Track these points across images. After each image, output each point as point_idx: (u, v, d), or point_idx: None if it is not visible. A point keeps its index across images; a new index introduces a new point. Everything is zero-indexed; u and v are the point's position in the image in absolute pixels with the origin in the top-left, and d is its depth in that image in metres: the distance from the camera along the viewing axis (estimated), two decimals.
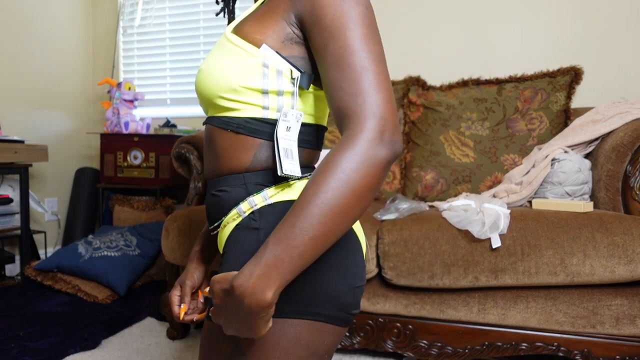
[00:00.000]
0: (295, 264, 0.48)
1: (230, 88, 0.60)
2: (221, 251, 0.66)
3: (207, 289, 0.54)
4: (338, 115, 0.53)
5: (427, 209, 1.48)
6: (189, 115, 2.76)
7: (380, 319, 1.37)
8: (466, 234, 1.25)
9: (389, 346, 1.36)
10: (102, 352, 1.52)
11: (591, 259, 1.17)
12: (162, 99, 2.84)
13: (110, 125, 2.54)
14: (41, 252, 2.55)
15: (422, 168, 1.86)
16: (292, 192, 0.61)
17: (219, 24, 2.67)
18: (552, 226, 1.21)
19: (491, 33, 2.12)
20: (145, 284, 2.13)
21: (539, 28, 2.05)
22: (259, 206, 0.60)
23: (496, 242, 1.20)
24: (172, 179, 2.44)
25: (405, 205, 1.44)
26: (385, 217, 1.41)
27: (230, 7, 0.90)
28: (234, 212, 0.62)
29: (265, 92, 0.60)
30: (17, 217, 2.26)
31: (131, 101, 2.58)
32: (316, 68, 0.61)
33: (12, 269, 2.38)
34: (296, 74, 0.60)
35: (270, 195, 0.61)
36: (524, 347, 1.27)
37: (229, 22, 0.89)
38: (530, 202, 1.48)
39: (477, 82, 1.94)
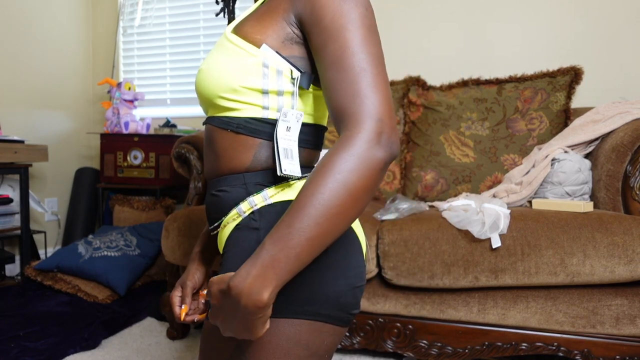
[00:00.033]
0: (292, 265, 0.48)
1: (230, 88, 0.60)
2: (221, 251, 0.66)
3: (205, 291, 0.54)
4: (336, 116, 0.54)
5: (427, 209, 1.48)
6: (189, 115, 2.76)
7: (380, 319, 1.37)
8: (466, 234, 1.25)
9: (389, 346, 1.36)
10: (102, 352, 1.52)
11: (591, 259, 1.17)
12: (162, 99, 2.84)
13: (110, 125, 2.54)
14: (41, 252, 2.55)
15: (422, 168, 1.86)
16: (292, 192, 0.61)
17: (219, 24, 2.67)
18: (552, 226, 1.21)
19: (491, 33, 2.12)
20: (145, 284, 2.13)
21: (539, 28, 2.05)
22: (259, 206, 0.61)
23: (496, 242, 1.20)
24: (172, 179, 2.44)
25: (405, 205, 1.44)
26: (385, 217, 1.41)
27: (230, 7, 0.90)
28: (234, 212, 0.62)
29: (265, 92, 0.60)
30: (17, 217, 2.26)
31: (131, 101, 2.58)
32: (316, 68, 0.61)
33: (12, 269, 2.38)
34: (296, 74, 0.60)
35: (270, 195, 0.61)
36: (524, 347, 1.27)
37: (229, 22, 0.89)
38: (530, 202, 1.48)
39: (477, 82, 1.94)
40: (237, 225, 0.62)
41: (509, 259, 1.21)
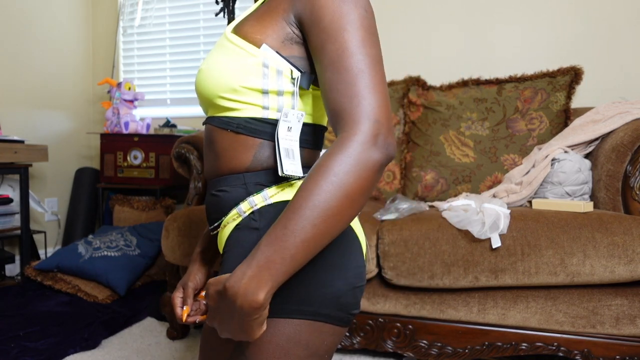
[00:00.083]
0: (287, 266, 0.48)
1: (230, 88, 0.60)
2: (221, 251, 0.66)
3: (204, 293, 0.54)
4: (333, 117, 0.54)
5: (427, 209, 1.48)
6: (189, 115, 2.76)
7: (380, 319, 1.37)
8: (466, 234, 1.25)
9: (389, 346, 1.36)
10: (102, 352, 1.52)
11: (591, 259, 1.17)
12: (162, 99, 2.84)
13: (110, 125, 2.54)
14: (41, 252, 2.55)
15: (422, 168, 1.86)
16: (292, 192, 0.61)
17: (219, 24, 2.67)
18: (552, 226, 1.21)
19: (491, 33, 2.12)
20: (145, 284, 2.13)
21: (539, 28, 2.05)
22: (259, 206, 0.61)
23: (496, 242, 1.20)
24: (172, 179, 2.44)
25: (405, 205, 1.44)
26: (385, 217, 1.41)
27: (230, 7, 0.90)
28: (234, 212, 0.62)
29: (265, 92, 0.60)
30: (17, 217, 2.26)
31: (131, 101, 2.58)
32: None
33: (12, 269, 2.38)
34: (296, 74, 0.60)
35: (270, 195, 0.61)
36: (524, 347, 1.27)
37: (229, 22, 0.89)
38: (530, 202, 1.48)
39: (477, 82, 1.94)
40: (237, 225, 0.62)
41: (509, 259, 1.21)
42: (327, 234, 0.49)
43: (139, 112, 2.83)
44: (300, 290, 0.56)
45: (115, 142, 2.48)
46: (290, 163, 0.58)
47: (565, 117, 1.76)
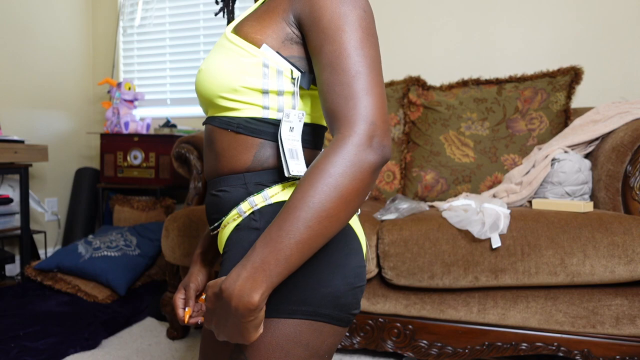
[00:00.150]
0: (282, 267, 0.48)
1: (231, 88, 0.60)
2: (221, 251, 0.66)
3: (203, 296, 0.54)
4: (330, 118, 0.54)
5: (427, 209, 1.48)
6: (189, 115, 2.76)
7: (380, 319, 1.37)
8: (466, 234, 1.25)
9: (389, 346, 1.36)
10: (102, 352, 1.52)
11: (591, 259, 1.17)
12: (162, 99, 2.84)
13: (110, 125, 2.54)
14: (41, 252, 2.55)
15: (422, 168, 1.86)
16: None
17: (219, 24, 2.67)
18: (552, 226, 1.21)
19: (491, 33, 2.12)
20: (145, 284, 2.13)
21: (539, 28, 2.05)
22: (259, 206, 0.61)
23: (496, 242, 1.20)
24: (172, 179, 2.44)
25: (405, 205, 1.44)
26: (385, 217, 1.41)
27: (230, 7, 0.90)
28: (234, 212, 0.62)
29: (265, 92, 0.60)
30: (17, 217, 2.26)
31: (131, 101, 2.58)
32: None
33: (12, 269, 2.38)
34: (296, 74, 0.60)
35: (270, 195, 0.61)
36: (524, 347, 1.27)
37: (229, 22, 0.89)
38: (530, 202, 1.48)
39: (477, 82, 1.94)
40: (237, 225, 0.62)
41: (509, 259, 1.21)
42: (322, 236, 0.49)
43: (139, 112, 2.83)
44: (300, 290, 0.56)
45: (115, 142, 2.48)
46: (296, 163, 0.58)
47: (565, 117, 1.76)
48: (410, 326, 1.35)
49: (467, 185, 1.78)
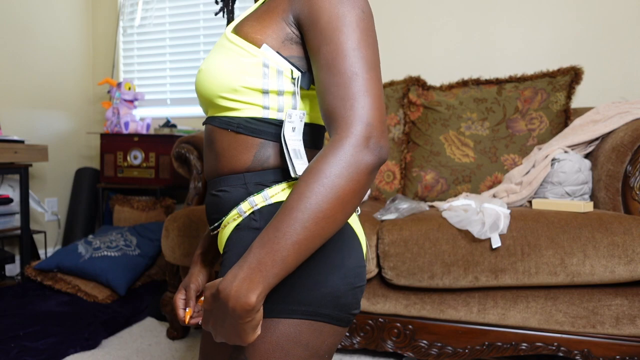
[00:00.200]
0: (278, 268, 0.48)
1: (231, 88, 0.60)
2: (221, 251, 0.66)
3: (202, 298, 0.54)
4: (327, 118, 0.54)
5: (427, 209, 1.48)
6: (189, 115, 2.76)
7: (380, 319, 1.37)
8: (466, 234, 1.25)
9: (389, 346, 1.36)
10: (102, 352, 1.52)
11: (591, 259, 1.17)
12: (162, 99, 2.84)
13: (110, 125, 2.54)
14: (41, 252, 2.55)
15: (422, 168, 1.86)
16: None
17: (219, 24, 2.67)
18: (552, 226, 1.21)
19: (491, 33, 2.12)
20: (145, 284, 2.13)
21: (539, 28, 2.05)
22: (259, 206, 0.61)
23: (496, 242, 1.20)
24: (172, 179, 2.44)
25: (405, 205, 1.44)
26: (385, 217, 1.41)
27: (230, 7, 0.90)
28: (234, 212, 0.62)
29: (265, 92, 0.60)
30: (17, 217, 2.26)
31: (131, 101, 2.58)
32: None
33: (12, 269, 2.38)
34: (297, 74, 0.60)
35: (270, 195, 0.61)
36: (524, 347, 1.27)
37: (228, 21, 0.89)
38: (530, 202, 1.48)
39: (477, 82, 1.94)
40: (237, 225, 0.62)
41: (509, 259, 1.21)
42: (319, 236, 0.49)
43: (139, 112, 2.83)
44: (300, 290, 0.56)
45: (115, 142, 2.48)
46: (301, 163, 0.58)
47: (565, 117, 1.76)
48: (410, 326, 1.35)
49: (467, 185, 1.78)
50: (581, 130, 1.54)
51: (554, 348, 1.25)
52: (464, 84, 1.96)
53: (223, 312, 0.49)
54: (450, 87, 1.98)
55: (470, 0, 2.14)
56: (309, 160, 0.66)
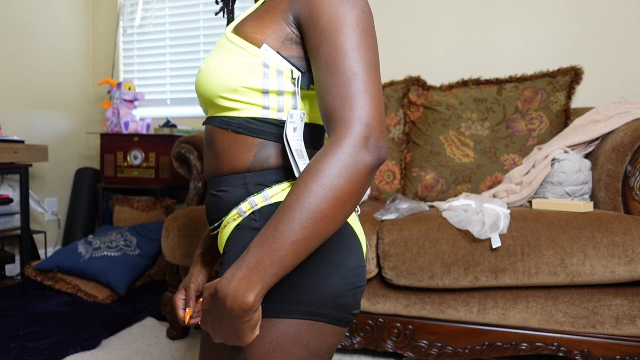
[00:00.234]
0: (276, 268, 0.48)
1: (231, 88, 0.60)
2: (221, 251, 0.66)
3: (201, 299, 0.54)
4: (326, 118, 0.54)
5: (427, 209, 1.48)
6: (189, 115, 2.76)
7: (380, 319, 1.37)
8: (466, 234, 1.25)
9: (389, 346, 1.36)
10: (102, 352, 1.52)
11: (591, 259, 1.17)
12: (162, 99, 2.84)
13: (110, 125, 2.54)
14: (41, 252, 2.55)
15: (422, 168, 1.86)
16: None
17: (219, 24, 2.67)
18: (552, 226, 1.21)
19: (491, 33, 2.12)
20: (145, 284, 2.13)
21: (539, 28, 2.05)
22: (259, 206, 0.61)
23: (496, 242, 1.20)
24: (172, 179, 2.44)
25: (405, 205, 1.44)
26: (385, 217, 1.41)
27: (230, 7, 0.90)
28: (234, 212, 0.62)
29: (265, 92, 0.60)
30: (17, 217, 2.26)
31: (131, 101, 2.58)
32: None
33: (12, 269, 2.38)
34: (296, 74, 0.60)
35: (270, 195, 0.61)
36: (524, 347, 1.27)
37: (229, 21, 0.89)
38: (530, 202, 1.48)
39: (477, 82, 1.94)
40: (237, 225, 0.62)
41: (509, 259, 1.21)
42: (317, 236, 0.49)
43: (139, 112, 2.83)
44: (300, 290, 0.56)
45: (115, 142, 2.48)
46: (304, 163, 0.58)
47: (565, 117, 1.76)
48: (410, 326, 1.35)
49: (467, 185, 1.78)
50: (581, 130, 1.54)
51: (554, 348, 1.25)
52: (464, 84, 1.96)
53: (221, 311, 0.49)
54: (450, 87, 1.98)
55: (470, 0, 2.14)
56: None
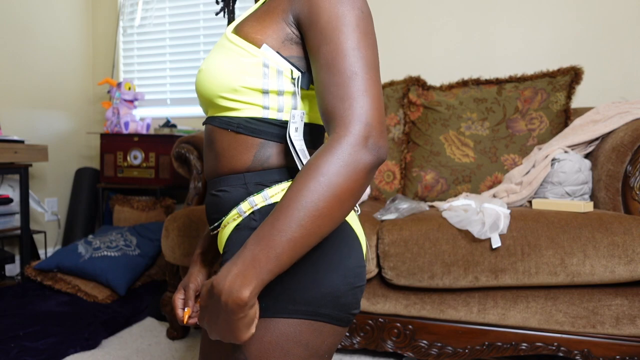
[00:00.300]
0: (272, 265, 0.48)
1: (231, 88, 0.60)
2: (221, 251, 0.66)
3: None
4: (326, 118, 0.54)
5: (427, 209, 1.48)
6: (189, 115, 2.76)
7: (380, 319, 1.37)
8: (466, 234, 1.25)
9: (389, 346, 1.36)
10: (102, 352, 1.52)
11: (591, 259, 1.17)
12: (162, 99, 2.84)
13: (110, 125, 2.54)
14: (41, 252, 2.55)
15: (422, 168, 1.86)
16: None
17: (219, 24, 2.67)
18: (552, 226, 1.21)
19: (491, 33, 2.12)
20: (145, 284, 2.13)
21: (539, 28, 2.05)
22: (259, 206, 0.61)
23: (496, 242, 1.20)
24: (172, 179, 2.44)
25: (405, 205, 1.44)
26: (385, 217, 1.41)
27: (230, 7, 0.90)
28: (234, 212, 0.62)
29: (265, 92, 0.60)
30: (17, 217, 2.26)
31: (131, 101, 2.58)
32: None
33: (12, 269, 2.38)
34: (296, 74, 0.60)
35: (270, 195, 0.61)
36: (524, 347, 1.27)
37: (229, 22, 0.89)
38: (530, 202, 1.48)
39: (477, 82, 1.94)
40: (237, 225, 0.62)
41: (509, 259, 1.21)
42: (315, 235, 0.49)
43: (139, 112, 2.83)
44: (300, 290, 0.56)
45: (115, 142, 2.48)
46: None
47: (565, 117, 1.76)
48: (410, 326, 1.35)
49: (467, 185, 1.78)
50: (581, 130, 1.54)
51: (554, 348, 1.25)
52: (464, 84, 1.96)
53: (217, 307, 0.49)
54: (450, 87, 1.98)
55: (470, 0, 2.14)
56: None
